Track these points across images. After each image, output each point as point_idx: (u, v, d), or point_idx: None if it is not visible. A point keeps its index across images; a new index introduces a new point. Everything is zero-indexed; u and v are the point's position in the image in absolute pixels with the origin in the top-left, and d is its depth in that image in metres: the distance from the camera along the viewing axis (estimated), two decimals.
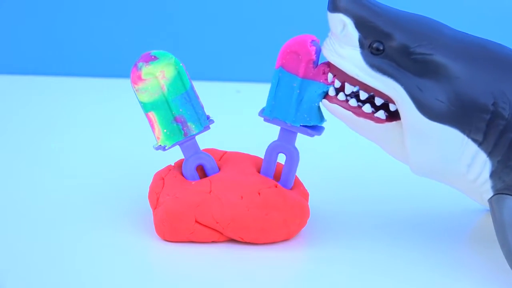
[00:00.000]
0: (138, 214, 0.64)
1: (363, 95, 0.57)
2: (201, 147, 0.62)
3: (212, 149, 0.65)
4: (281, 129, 0.61)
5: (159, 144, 0.61)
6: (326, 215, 0.65)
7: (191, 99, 0.61)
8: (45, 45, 1.08)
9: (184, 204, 0.59)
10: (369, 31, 0.56)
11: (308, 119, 0.59)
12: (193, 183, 0.61)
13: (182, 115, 0.61)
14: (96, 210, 0.65)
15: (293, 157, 0.61)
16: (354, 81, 0.57)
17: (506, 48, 0.57)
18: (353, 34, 0.56)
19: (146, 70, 0.59)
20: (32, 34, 1.07)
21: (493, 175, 0.56)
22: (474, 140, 0.55)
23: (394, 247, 0.61)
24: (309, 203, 0.62)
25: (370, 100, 0.58)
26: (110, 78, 1.05)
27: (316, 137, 0.60)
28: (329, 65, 0.58)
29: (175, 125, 0.61)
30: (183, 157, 0.62)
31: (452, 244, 0.62)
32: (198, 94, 0.61)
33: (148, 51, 0.60)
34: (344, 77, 0.57)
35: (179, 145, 0.61)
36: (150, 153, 0.65)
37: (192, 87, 0.61)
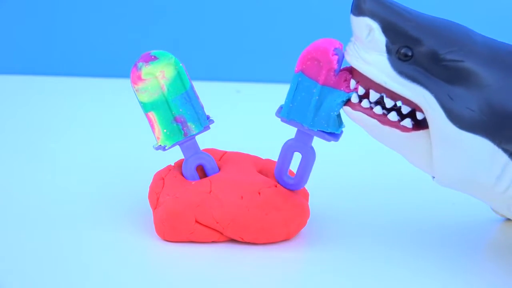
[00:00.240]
0: (138, 214, 0.64)
1: (389, 103, 0.54)
2: (201, 147, 0.62)
3: (212, 149, 0.65)
4: (298, 130, 0.60)
5: (159, 144, 0.61)
6: (326, 215, 0.65)
7: (191, 99, 0.61)
8: (45, 45, 1.08)
9: (184, 204, 0.59)
10: (397, 36, 0.53)
11: (326, 125, 0.58)
12: (193, 183, 0.61)
13: (182, 115, 0.61)
14: (96, 210, 0.65)
15: (309, 157, 0.60)
16: (379, 88, 0.55)
17: None
18: (380, 39, 0.54)
19: (146, 70, 0.59)
20: (32, 34, 1.08)
21: None
22: (505, 151, 0.53)
23: (394, 247, 0.61)
24: (309, 203, 0.62)
25: (394, 108, 0.55)
26: (110, 78, 1.06)
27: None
28: (351, 71, 0.56)
29: (175, 125, 0.61)
30: (183, 157, 0.62)
31: (451, 244, 0.62)
32: (198, 94, 0.61)
33: (148, 51, 0.60)
34: (369, 84, 0.55)
35: (179, 145, 0.61)
36: (150, 153, 0.65)
37: (192, 87, 0.61)
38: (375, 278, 0.56)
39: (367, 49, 0.54)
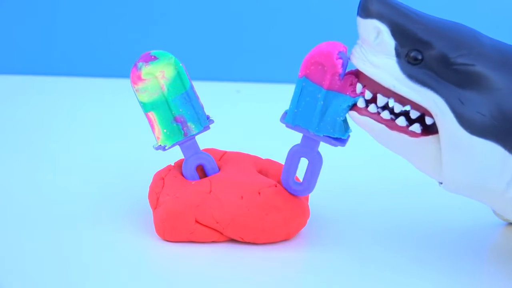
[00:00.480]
0: (138, 214, 0.64)
1: (398, 108, 0.53)
2: (201, 147, 0.62)
3: (212, 149, 0.65)
4: (304, 135, 0.59)
5: (159, 144, 0.61)
6: (326, 215, 0.65)
7: (191, 99, 0.61)
8: (45, 45, 1.08)
9: (184, 204, 0.59)
10: (406, 39, 0.52)
11: (331, 131, 0.57)
12: (193, 183, 0.61)
13: (182, 115, 0.61)
14: (96, 210, 0.65)
15: (316, 163, 0.59)
16: (387, 92, 0.53)
17: None
18: (389, 42, 0.53)
19: (146, 70, 0.59)
20: (32, 34, 1.08)
21: None
22: None
23: (395, 249, 0.61)
24: (309, 203, 0.62)
25: (402, 113, 0.54)
26: (110, 78, 1.06)
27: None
28: (357, 75, 0.55)
29: (175, 125, 0.61)
30: (183, 157, 0.62)
31: (453, 248, 0.62)
32: (198, 94, 0.61)
33: (148, 51, 0.60)
34: (376, 88, 0.54)
35: (179, 145, 0.61)
36: (150, 153, 0.65)
37: (192, 87, 0.61)
38: (375, 279, 0.56)
39: (375, 52, 0.53)
